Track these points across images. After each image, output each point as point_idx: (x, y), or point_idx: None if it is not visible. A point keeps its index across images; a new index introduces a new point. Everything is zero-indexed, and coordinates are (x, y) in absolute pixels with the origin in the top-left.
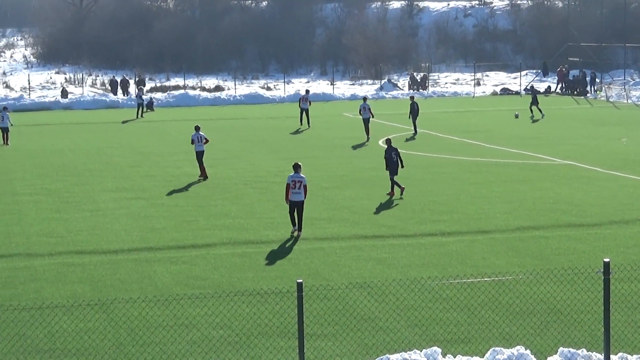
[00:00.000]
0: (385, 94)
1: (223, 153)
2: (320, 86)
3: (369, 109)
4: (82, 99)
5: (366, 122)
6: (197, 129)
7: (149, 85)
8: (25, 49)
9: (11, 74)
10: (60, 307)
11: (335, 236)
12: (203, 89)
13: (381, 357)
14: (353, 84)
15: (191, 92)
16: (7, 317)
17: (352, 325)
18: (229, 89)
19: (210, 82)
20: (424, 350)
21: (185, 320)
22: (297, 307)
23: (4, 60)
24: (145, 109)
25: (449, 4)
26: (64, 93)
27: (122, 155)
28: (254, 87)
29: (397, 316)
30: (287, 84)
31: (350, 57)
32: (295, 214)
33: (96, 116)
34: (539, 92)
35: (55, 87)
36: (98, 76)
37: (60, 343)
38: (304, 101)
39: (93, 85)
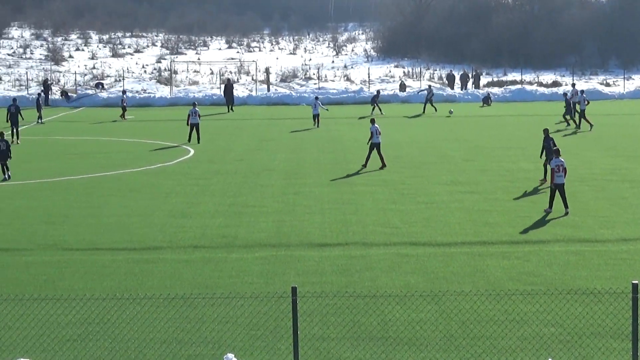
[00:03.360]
0: None
1: None
2: None
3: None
4: (419, 93)
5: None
6: (372, 122)
7: (485, 79)
8: (366, 43)
9: (352, 67)
10: (394, 296)
11: None
12: (540, 84)
13: None
14: None
15: (528, 87)
16: (343, 304)
17: None
18: (566, 84)
19: (547, 77)
20: None
21: (516, 315)
22: (632, 309)
23: (346, 54)
24: (482, 104)
25: None
26: (402, 87)
27: (456, 149)
28: (593, 82)
29: None
30: (627, 80)
31: None
32: (558, 194)
33: (431, 109)
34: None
35: (393, 81)
36: (435, 70)
37: (392, 332)
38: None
39: (430, 79)
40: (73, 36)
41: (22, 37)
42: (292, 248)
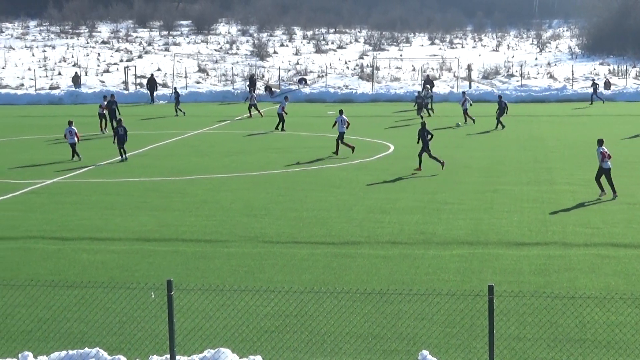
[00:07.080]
0: None
1: None
2: None
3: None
4: (624, 91)
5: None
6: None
7: None
8: (571, 40)
9: (555, 65)
10: (593, 298)
11: None
12: None
13: None
14: None
15: None
16: (541, 304)
17: None
18: None
19: None
20: None
21: None
22: None
23: (549, 51)
24: None
25: None
26: (607, 84)
27: None
28: None
29: None
30: None
31: None
32: (605, 179)
33: (638, 109)
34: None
35: (598, 79)
36: None
37: (590, 334)
38: None
39: (637, 77)
40: (278, 32)
41: (229, 33)
42: (489, 246)
